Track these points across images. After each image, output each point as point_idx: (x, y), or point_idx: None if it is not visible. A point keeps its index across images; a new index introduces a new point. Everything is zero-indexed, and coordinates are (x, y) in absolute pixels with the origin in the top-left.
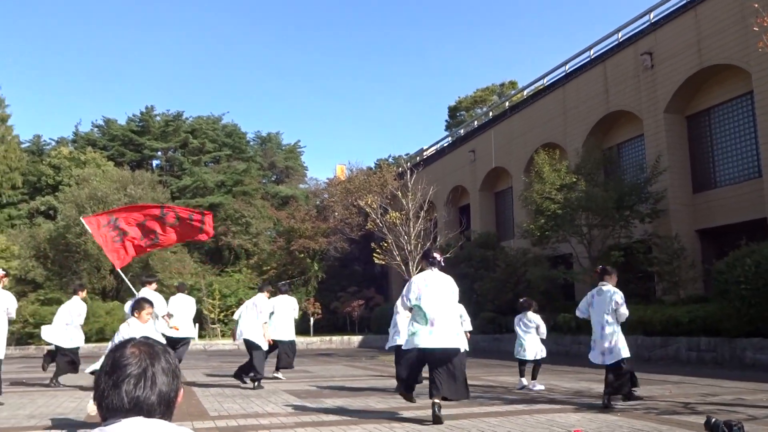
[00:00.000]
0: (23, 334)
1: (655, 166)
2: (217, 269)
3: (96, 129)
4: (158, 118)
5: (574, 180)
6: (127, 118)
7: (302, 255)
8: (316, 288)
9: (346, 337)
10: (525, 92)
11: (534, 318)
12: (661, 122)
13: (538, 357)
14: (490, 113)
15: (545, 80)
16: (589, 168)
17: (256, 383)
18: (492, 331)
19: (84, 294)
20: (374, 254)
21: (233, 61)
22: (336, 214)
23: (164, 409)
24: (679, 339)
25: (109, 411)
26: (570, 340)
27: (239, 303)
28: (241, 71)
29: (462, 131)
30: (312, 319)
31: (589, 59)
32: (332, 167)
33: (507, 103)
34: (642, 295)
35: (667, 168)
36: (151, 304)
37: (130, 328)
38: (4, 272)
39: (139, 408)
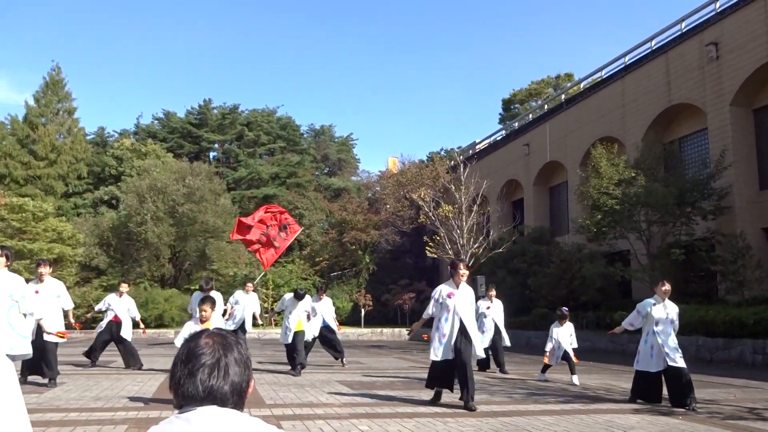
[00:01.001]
0: (88, 318)
1: (720, 161)
2: None
3: (156, 121)
4: (215, 111)
5: (633, 175)
6: (186, 111)
7: (354, 247)
8: (367, 280)
9: (396, 330)
10: (582, 85)
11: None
12: (726, 116)
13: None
14: (546, 106)
15: (603, 72)
16: (649, 163)
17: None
18: (545, 327)
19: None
20: (426, 247)
21: (288, 54)
22: (388, 206)
23: (237, 398)
24: (744, 341)
25: (185, 399)
26: (626, 339)
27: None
28: (295, 65)
29: (516, 124)
30: (363, 311)
31: (650, 50)
32: (384, 160)
33: (563, 96)
34: (703, 294)
35: (732, 163)
36: (212, 304)
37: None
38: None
39: (213, 397)
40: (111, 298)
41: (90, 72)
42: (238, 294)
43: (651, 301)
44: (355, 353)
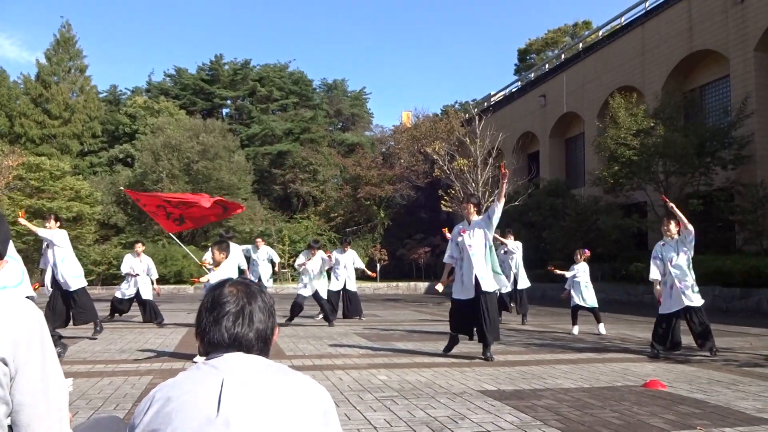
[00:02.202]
0: (108, 275)
1: (742, 108)
2: (287, 216)
3: (168, 78)
4: (227, 66)
5: (652, 125)
6: (197, 68)
7: (368, 202)
8: (382, 235)
9: (412, 284)
10: (600, 33)
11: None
12: (750, 61)
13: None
14: (562, 56)
15: (622, 19)
16: (669, 112)
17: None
18: (560, 279)
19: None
20: (442, 201)
21: (299, 7)
22: (402, 161)
23: (262, 345)
24: (762, 291)
25: (211, 345)
26: (642, 290)
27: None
28: (306, 18)
29: (532, 75)
30: (378, 266)
31: None
32: (398, 114)
33: (580, 45)
34: (721, 245)
35: (755, 111)
36: (226, 249)
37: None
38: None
39: (238, 343)
40: (129, 259)
41: (100, 29)
42: (249, 249)
43: (660, 243)
44: (372, 306)
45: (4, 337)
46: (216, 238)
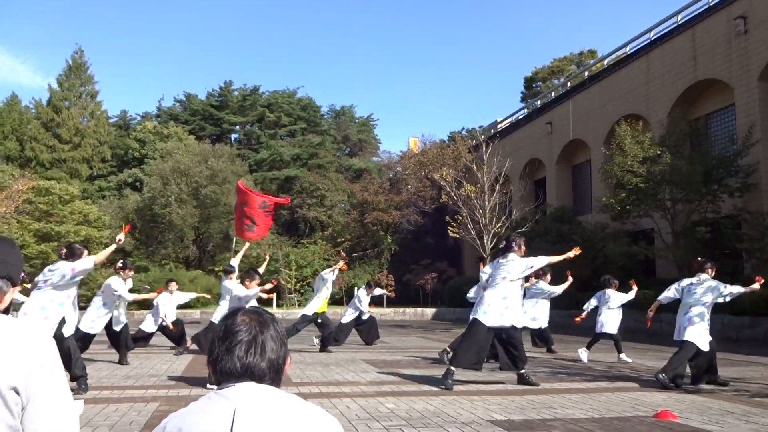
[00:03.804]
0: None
1: (747, 137)
2: (294, 241)
3: (178, 104)
4: (236, 92)
5: (658, 152)
6: (207, 93)
7: (375, 227)
8: (389, 260)
9: (419, 309)
10: (605, 61)
11: (612, 295)
12: (754, 91)
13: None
14: (568, 84)
15: (627, 48)
16: (675, 140)
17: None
18: (567, 306)
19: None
20: (449, 227)
21: (307, 35)
22: (409, 187)
23: (274, 375)
24: None
25: (223, 375)
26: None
27: (314, 274)
28: (314, 45)
29: (538, 103)
30: (384, 298)
31: (676, 25)
32: (405, 140)
33: (586, 73)
34: (729, 273)
35: (760, 139)
36: (259, 275)
37: (237, 291)
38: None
39: (250, 373)
40: (162, 299)
41: (111, 55)
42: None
43: (691, 279)
44: (379, 333)
45: (15, 366)
46: (226, 264)
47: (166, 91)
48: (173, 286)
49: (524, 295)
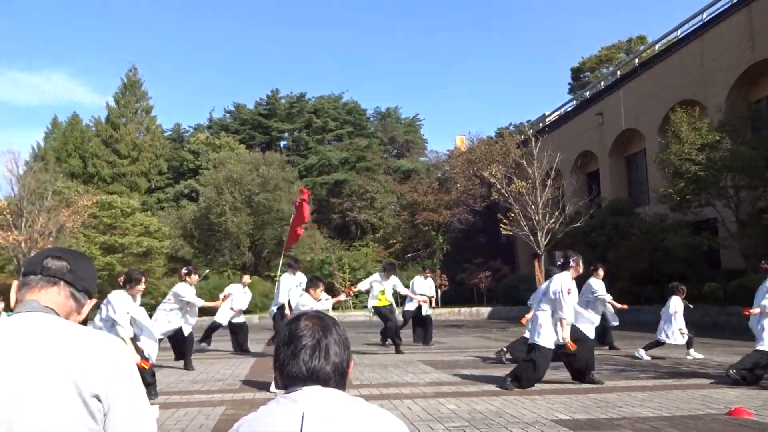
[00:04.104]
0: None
1: None
2: (346, 244)
3: (228, 115)
4: (283, 100)
5: (718, 138)
6: (255, 103)
7: (426, 228)
8: (441, 260)
9: (474, 309)
10: (656, 47)
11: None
12: None
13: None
14: (618, 72)
15: (679, 32)
16: (734, 124)
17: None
18: (627, 301)
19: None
20: (501, 225)
21: (350, 39)
22: (458, 185)
23: (339, 378)
24: None
25: (289, 379)
26: (717, 311)
27: (368, 275)
28: (358, 49)
29: (587, 93)
30: (439, 291)
31: (730, 4)
32: (452, 139)
33: (636, 61)
34: None
35: None
36: (323, 282)
37: (303, 302)
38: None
39: (316, 377)
40: (236, 290)
41: (163, 71)
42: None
43: None
44: (435, 333)
45: (97, 374)
46: (283, 268)
47: (216, 102)
48: (247, 278)
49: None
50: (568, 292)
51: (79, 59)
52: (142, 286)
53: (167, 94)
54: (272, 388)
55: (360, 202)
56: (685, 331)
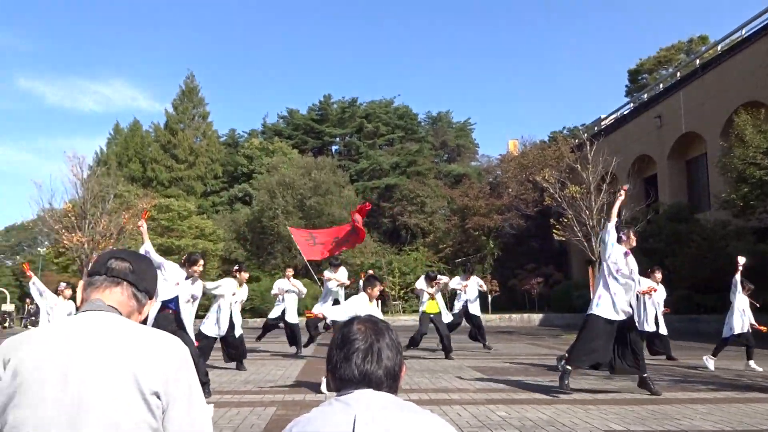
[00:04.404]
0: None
1: None
2: (396, 248)
3: (281, 120)
4: (335, 105)
5: None
6: (308, 108)
7: (477, 233)
8: (492, 265)
9: (525, 315)
10: (719, 47)
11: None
12: None
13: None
14: (678, 74)
15: (743, 31)
16: None
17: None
18: (687, 310)
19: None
20: (554, 230)
21: (401, 44)
22: (510, 190)
23: (391, 382)
24: None
25: (342, 382)
26: None
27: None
28: (409, 54)
29: (645, 96)
30: (490, 297)
31: None
32: (504, 143)
33: (697, 61)
34: None
35: None
36: (380, 281)
37: (359, 303)
38: None
39: (368, 380)
40: (280, 283)
41: (219, 78)
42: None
43: None
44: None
45: (156, 372)
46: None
47: (270, 108)
48: (290, 271)
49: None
50: (625, 255)
51: (140, 67)
52: (199, 267)
53: (223, 100)
54: (322, 388)
55: (410, 207)
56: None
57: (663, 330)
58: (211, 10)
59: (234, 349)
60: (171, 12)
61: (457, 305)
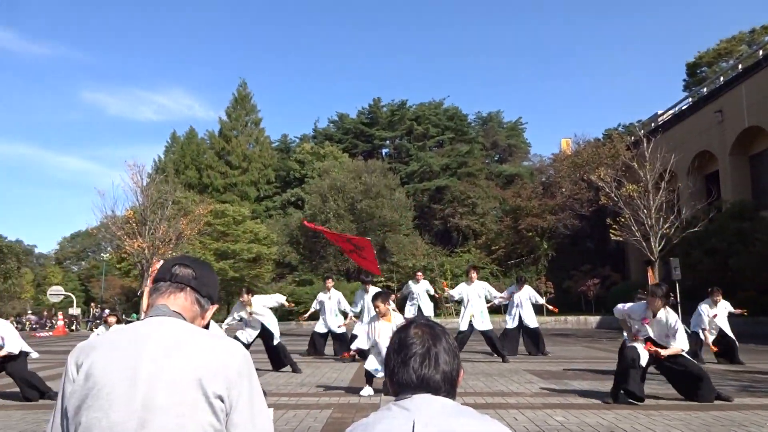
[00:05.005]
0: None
1: None
2: (447, 250)
3: (331, 124)
4: (385, 108)
5: None
6: (357, 112)
7: (530, 233)
8: (546, 267)
9: (581, 317)
10: None
11: None
12: None
13: None
14: (740, 66)
15: None
16: None
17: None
18: (752, 313)
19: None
20: (610, 230)
21: (450, 45)
22: (564, 190)
23: (449, 387)
24: None
25: (400, 386)
26: None
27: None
28: (458, 55)
29: (705, 90)
30: (544, 299)
31: None
32: (557, 142)
33: (761, 52)
34: None
35: None
36: (387, 297)
37: (376, 327)
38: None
39: (426, 385)
40: (320, 296)
41: (271, 84)
42: (410, 284)
43: None
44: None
45: (220, 376)
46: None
47: (320, 113)
48: (330, 283)
49: None
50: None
51: (196, 77)
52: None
53: (275, 106)
54: (363, 392)
55: (461, 208)
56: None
57: (729, 334)
58: (262, 18)
59: (276, 355)
60: (225, 22)
61: (510, 317)
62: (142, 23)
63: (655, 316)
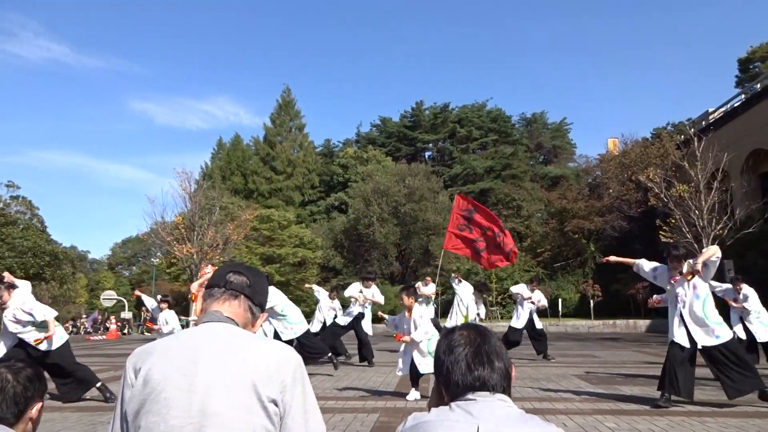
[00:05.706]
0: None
1: None
2: None
3: (374, 128)
4: (427, 112)
5: None
6: (400, 115)
7: (577, 235)
8: (593, 269)
9: (631, 321)
10: None
11: None
12: None
13: None
14: None
15: None
16: None
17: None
18: None
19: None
20: (660, 232)
21: (492, 47)
22: (611, 191)
23: (505, 384)
24: None
25: (457, 387)
26: None
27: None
28: (501, 56)
29: (758, 86)
30: (592, 302)
31: None
32: (603, 142)
33: None
34: None
35: None
36: (414, 291)
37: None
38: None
39: (482, 383)
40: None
41: (314, 89)
42: (453, 285)
43: None
44: (589, 346)
45: (274, 381)
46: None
47: (363, 117)
48: (369, 283)
49: None
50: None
51: (241, 84)
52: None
53: (318, 111)
54: (409, 397)
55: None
56: None
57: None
58: (305, 24)
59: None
60: (268, 30)
61: (523, 317)
62: (188, 33)
63: (680, 275)
